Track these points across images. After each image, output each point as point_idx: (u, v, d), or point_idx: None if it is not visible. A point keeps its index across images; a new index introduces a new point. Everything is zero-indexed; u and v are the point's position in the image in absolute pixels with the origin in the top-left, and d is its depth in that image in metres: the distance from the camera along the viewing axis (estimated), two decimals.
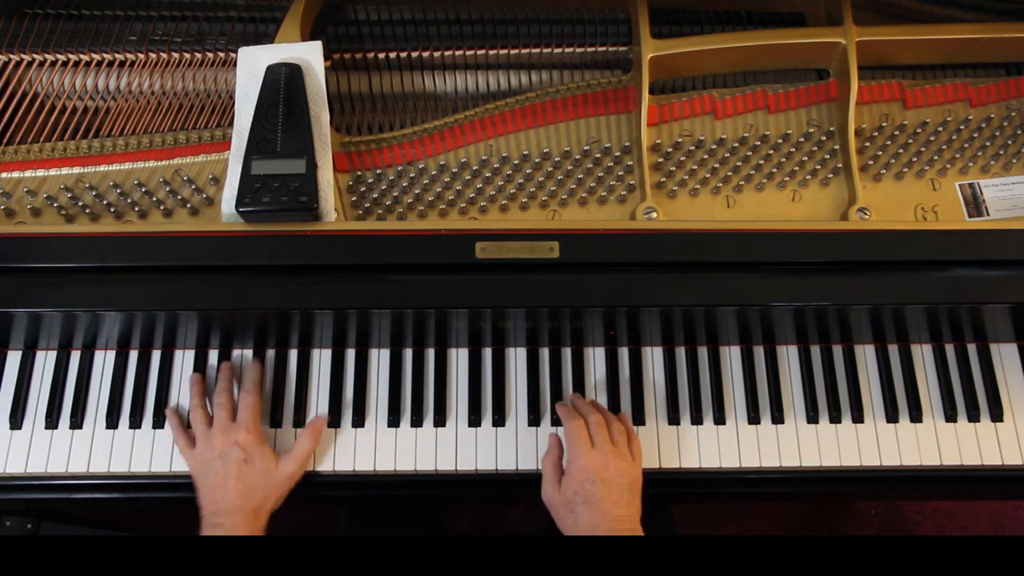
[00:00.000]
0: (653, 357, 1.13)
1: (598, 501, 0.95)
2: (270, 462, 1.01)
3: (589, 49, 1.17)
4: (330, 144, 1.06)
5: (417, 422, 1.09)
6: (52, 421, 1.09)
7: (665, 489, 1.09)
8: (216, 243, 1.00)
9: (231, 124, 1.08)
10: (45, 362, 1.12)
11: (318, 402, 1.11)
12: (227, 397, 1.05)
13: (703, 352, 1.13)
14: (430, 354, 1.13)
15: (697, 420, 1.10)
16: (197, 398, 1.07)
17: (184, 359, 1.12)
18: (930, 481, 1.10)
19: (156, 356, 1.12)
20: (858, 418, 1.10)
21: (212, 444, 1.01)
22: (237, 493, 0.97)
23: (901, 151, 1.13)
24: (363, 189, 1.10)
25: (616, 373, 1.12)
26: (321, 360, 1.13)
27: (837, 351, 1.14)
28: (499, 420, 1.10)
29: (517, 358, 1.13)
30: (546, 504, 1.01)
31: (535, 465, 1.07)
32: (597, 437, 1.00)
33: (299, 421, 1.09)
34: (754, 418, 1.10)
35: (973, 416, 1.10)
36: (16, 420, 1.09)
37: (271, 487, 1.00)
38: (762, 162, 1.12)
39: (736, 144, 1.13)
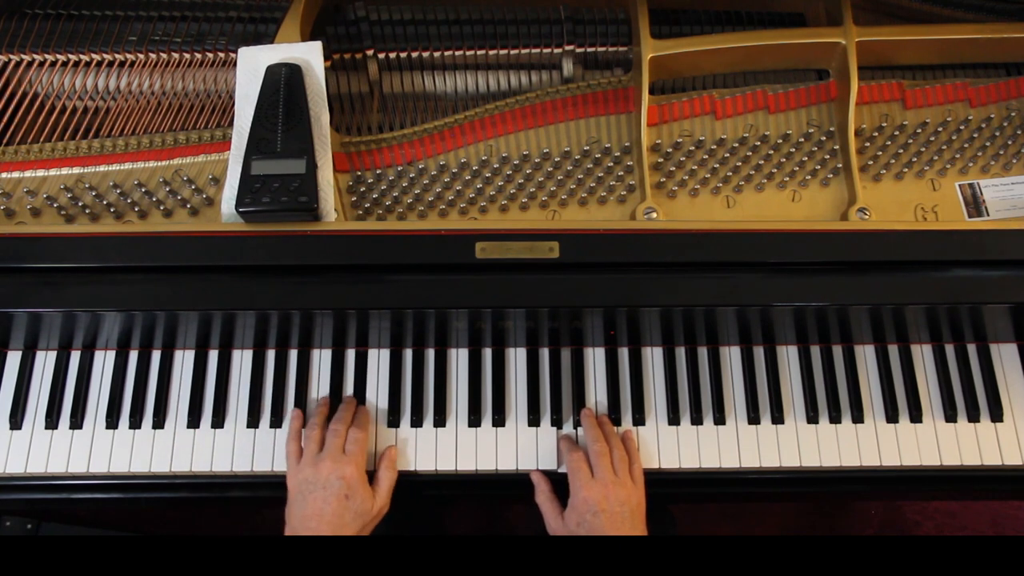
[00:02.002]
0: (653, 357, 1.13)
1: (599, 531, 0.96)
2: (368, 502, 0.99)
3: (589, 49, 1.17)
4: (330, 144, 1.06)
5: (417, 422, 1.09)
6: (52, 421, 1.09)
7: (665, 489, 1.09)
8: (216, 243, 1.00)
9: (231, 124, 1.08)
10: (45, 362, 1.12)
11: (318, 403, 1.10)
12: (344, 427, 1.03)
13: (703, 352, 1.13)
14: (430, 354, 1.13)
15: (697, 420, 1.10)
16: (319, 418, 1.06)
17: (184, 359, 1.12)
18: (930, 481, 1.10)
19: (156, 356, 1.12)
20: (858, 418, 1.10)
21: (319, 469, 0.98)
22: (331, 527, 0.96)
23: (901, 151, 1.13)
24: (363, 189, 1.10)
25: (616, 373, 1.12)
26: (321, 360, 1.13)
27: (837, 351, 1.14)
28: (499, 420, 1.10)
29: (517, 358, 1.13)
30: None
31: (535, 465, 1.07)
32: (598, 468, 1.01)
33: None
34: (754, 418, 1.10)
35: (973, 416, 1.10)
36: (16, 420, 1.09)
37: (362, 525, 0.98)
38: (762, 162, 1.12)
39: (736, 144, 1.13)
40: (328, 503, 0.96)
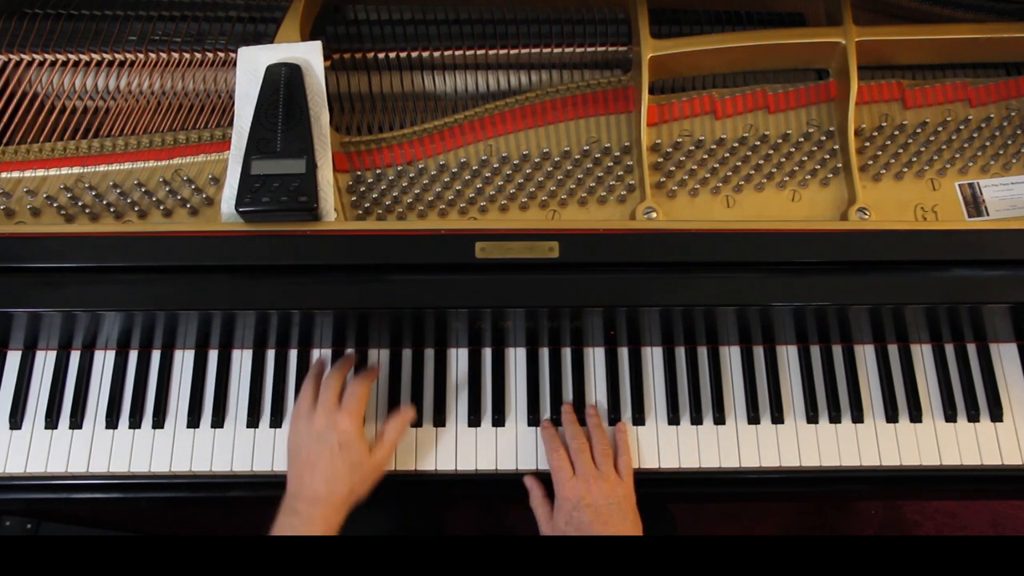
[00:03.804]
0: (653, 357, 1.13)
1: (587, 526, 0.97)
2: (363, 455, 0.97)
3: (589, 49, 1.17)
4: (330, 144, 1.06)
5: (416, 422, 1.09)
6: (52, 421, 1.09)
7: (665, 489, 1.09)
8: (216, 243, 1.00)
9: (231, 124, 1.08)
10: (45, 362, 1.12)
11: None
12: (337, 381, 1.01)
13: (703, 352, 1.13)
14: (429, 354, 1.13)
15: (697, 420, 1.10)
16: (314, 374, 1.04)
17: (184, 359, 1.12)
18: (930, 481, 1.10)
19: (156, 356, 1.12)
20: (858, 418, 1.10)
21: (313, 421, 0.98)
22: (324, 480, 0.95)
23: (901, 151, 1.13)
24: (363, 189, 1.10)
25: (616, 373, 1.12)
26: None
27: (837, 351, 1.14)
28: (499, 420, 1.10)
29: (517, 358, 1.13)
30: None
31: (535, 465, 1.07)
32: (578, 464, 1.02)
33: None
34: (754, 418, 1.10)
35: (973, 416, 1.10)
36: (16, 420, 1.09)
37: (358, 479, 0.97)
38: (762, 162, 1.12)
39: (736, 144, 1.13)
40: (321, 455, 0.96)
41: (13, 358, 1.12)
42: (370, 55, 1.16)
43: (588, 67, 1.20)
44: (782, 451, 1.09)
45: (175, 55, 1.14)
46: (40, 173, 1.09)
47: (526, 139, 1.14)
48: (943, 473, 1.10)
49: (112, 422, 1.09)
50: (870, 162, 1.12)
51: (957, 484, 1.11)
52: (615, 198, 1.10)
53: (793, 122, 1.15)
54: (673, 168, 1.12)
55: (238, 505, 1.07)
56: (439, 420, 1.09)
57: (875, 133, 1.14)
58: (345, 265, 1.00)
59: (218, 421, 1.09)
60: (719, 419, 1.10)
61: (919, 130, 1.14)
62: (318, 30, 1.15)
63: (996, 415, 1.10)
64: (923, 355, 1.14)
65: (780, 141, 1.14)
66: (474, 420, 1.09)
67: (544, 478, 1.06)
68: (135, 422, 1.09)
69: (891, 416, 1.10)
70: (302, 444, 0.98)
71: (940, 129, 1.15)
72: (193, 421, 1.09)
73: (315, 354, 1.13)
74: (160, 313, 1.02)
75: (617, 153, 1.12)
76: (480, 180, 1.11)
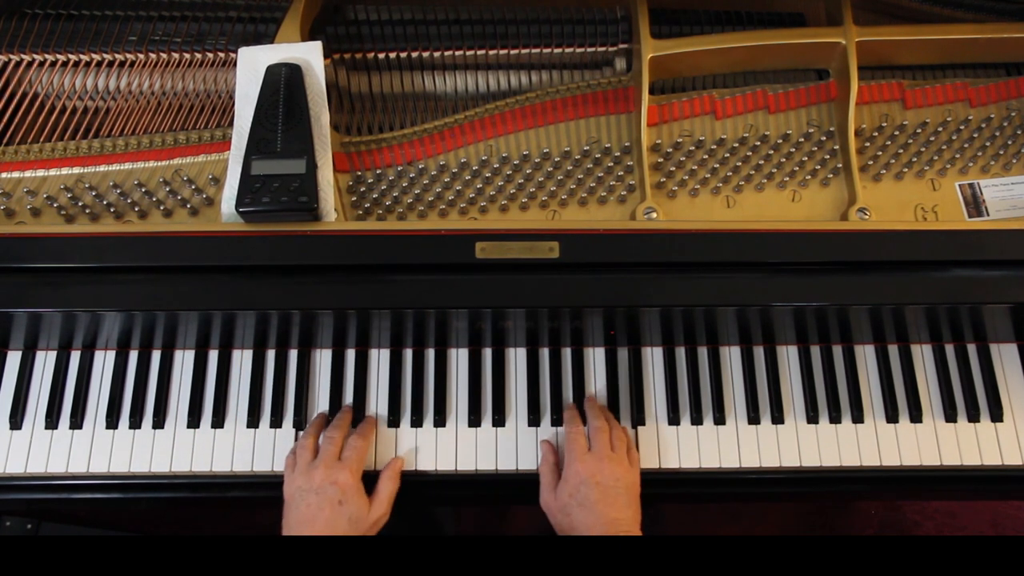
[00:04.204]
0: (653, 357, 1.13)
1: (592, 503, 0.96)
2: (362, 510, 0.98)
3: (589, 49, 1.17)
4: (330, 144, 1.06)
5: (417, 422, 1.09)
6: (52, 421, 1.09)
7: (665, 489, 1.09)
8: (216, 243, 1.00)
9: (231, 124, 1.08)
10: (45, 362, 1.12)
11: (318, 403, 1.11)
12: (339, 435, 1.03)
13: (703, 352, 1.13)
14: (430, 354, 1.13)
15: (697, 420, 1.10)
16: (313, 428, 1.06)
17: (184, 359, 1.12)
18: (930, 481, 1.10)
19: (156, 356, 1.12)
20: (858, 418, 1.10)
21: (312, 476, 0.98)
22: (323, 533, 0.95)
23: (901, 151, 1.13)
24: (363, 189, 1.10)
25: (616, 373, 1.12)
26: (321, 361, 1.13)
27: (837, 351, 1.14)
28: (499, 420, 1.10)
29: (517, 358, 1.13)
30: (544, 510, 1.02)
31: (535, 465, 1.07)
32: (596, 442, 1.01)
33: (299, 423, 1.09)
34: (754, 418, 1.10)
35: (973, 416, 1.10)
36: (16, 420, 1.09)
37: (357, 532, 0.98)
38: (762, 162, 1.12)
39: (736, 144, 1.13)
40: (322, 509, 0.96)
41: (13, 358, 1.12)
42: (370, 55, 1.17)
43: (588, 67, 1.20)
44: (782, 451, 1.09)
45: (175, 55, 1.14)
46: (40, 173, 1.10)
47: (526, 139, 1.14)
48: (943, 473, 1.10)
49: (112, 422, 1.09)
50: (870, 162, 1.12)
51: (957, 484, 1.11)
52: (615, 198, 1.10)
53: (793, 122, 1.15)
54: (673, 168, 1.12)
55: (238, 505, 1.07)
56: (439, 420, 1.09)
57: (875, 133, 1.14)
58: (345, 265, 1.00)
59: (218, 421, 1.09)
60: (719, 419, 1.10)
61: (919, 130, 1.14)
62: (318, 30, 1.16)
63: (996, 415, 1.10)
64: (923, 355, 1.14)
65: (780, 141, 1.14)
66: (474, 420, 1.09)
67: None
68: (135, 422, 1.09)
69: (891, 416, 1.10)
70: (301, 497, 0.98)
71: (940, 129, 1.15)
72: (193, 421, 1.09)
73: (315, 354, 1.13)
74: (160, 313, 1.02)
75: (617, 153, 1.12)
76: (480, 180, 1.11)
